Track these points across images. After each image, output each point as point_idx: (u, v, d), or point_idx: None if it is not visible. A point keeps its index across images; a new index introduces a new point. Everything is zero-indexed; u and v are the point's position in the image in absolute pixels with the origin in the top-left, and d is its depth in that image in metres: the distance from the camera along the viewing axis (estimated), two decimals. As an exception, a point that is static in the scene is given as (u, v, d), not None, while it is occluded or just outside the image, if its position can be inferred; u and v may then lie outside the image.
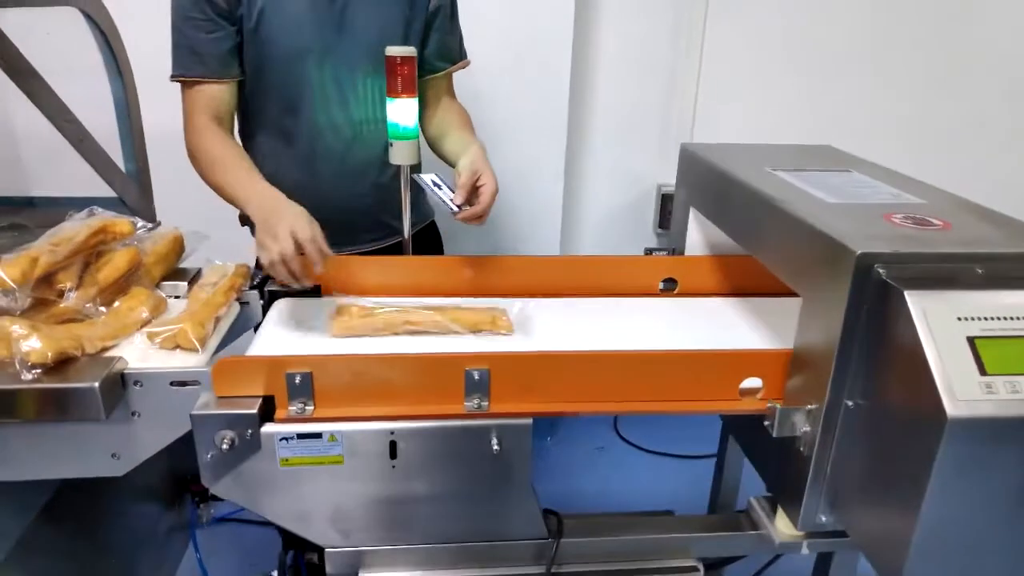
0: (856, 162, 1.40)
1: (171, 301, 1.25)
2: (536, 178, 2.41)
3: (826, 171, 1.30)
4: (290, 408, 1.01)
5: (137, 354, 1.08)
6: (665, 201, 2.61)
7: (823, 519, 1.02)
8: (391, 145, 1.39)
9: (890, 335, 0.88)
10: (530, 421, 1.03)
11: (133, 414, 1.04)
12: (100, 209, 1.27)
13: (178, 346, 1.10)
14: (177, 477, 1.78)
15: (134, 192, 1.59)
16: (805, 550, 1.12)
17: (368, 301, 1.28)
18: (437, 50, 1.53)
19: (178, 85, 1.43)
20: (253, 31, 1.40)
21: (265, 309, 1.33)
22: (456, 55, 1.58)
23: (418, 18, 1.48)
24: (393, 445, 1.02)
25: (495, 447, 1.02)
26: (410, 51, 1.34)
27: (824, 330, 0.94)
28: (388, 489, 1.05)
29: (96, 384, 0.96)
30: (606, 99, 2.53)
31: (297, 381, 1.00)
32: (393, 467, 1.03)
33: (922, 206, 1.09)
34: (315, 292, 1.38)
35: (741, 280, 1.42)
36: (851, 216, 1.02)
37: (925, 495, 0.82)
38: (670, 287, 1.44)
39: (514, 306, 1.27)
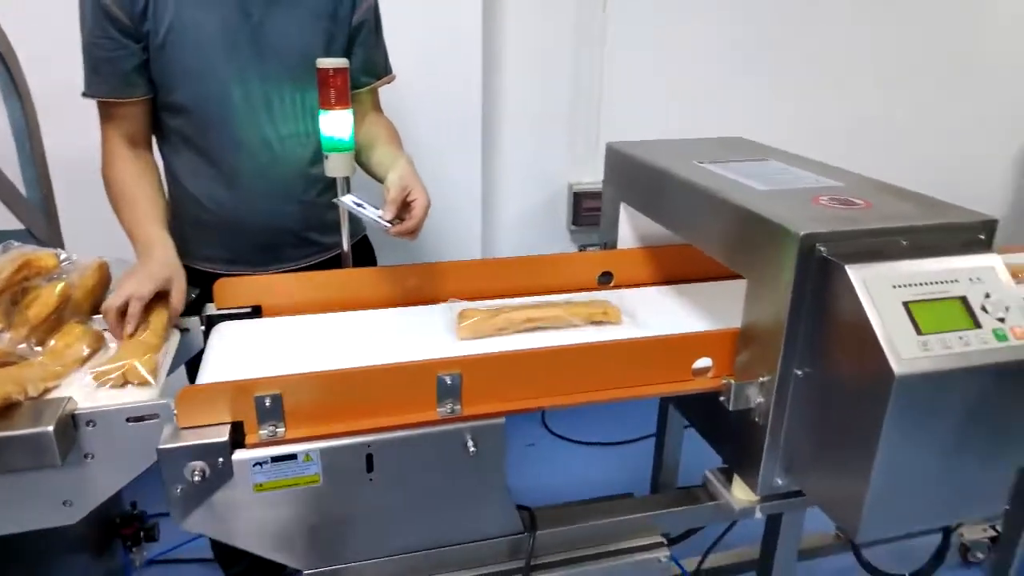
0: (769, 151, 1.50)
1: (108, 335, 1.18)
2: (454, 185, 2.42)
3: (747, 161, 1.39)
4: (260, 432, 0.99)
5: (81, 393, 1.02)
6: (578, 199, 2.68)
7: (779, 483, 1.10)
8: (327, 158, 1.38)
9: (834, 306, 0.96)
10: (503, 420, 1.05)
11: (86, 456, 0.98)
12: (16, 242, 1.19)
13: (127, 382, 1.04)
14: (104, 522, 1.68)
15: (41, 222, 1.48)
16: (759, 514, 1.20)
17: (484, 304, 1.30)
18: (362, 65, 1.51)
19: (83, 107, 1.37)
20: (160, 48, 1.34)
21: (205, 336, 1.29)
22: (381, 69, 1.58)
23: (341, 33, 1.46)
24: (370, 458, 1.01)
25: (471, 448, 1.04)
26: (342, 63, 1.33)
27: (771, 307, 1.02)
28: (366, 503, 1.04)
29: (51, 428, 0.90)
30: (515, 102, 2.58)
31: (267, 404, 0.97)
32: (371, 480, 1.03)
33: (841, 188, 1.19)
34: (255, 314, 1.34)
35: (674, 269, 1.50)
36: (784, 201, 1.11)
37: (877, 448, 0.90)
38: (606, 280, 1.50)
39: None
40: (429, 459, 1.04)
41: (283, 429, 0.99)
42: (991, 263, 0.99)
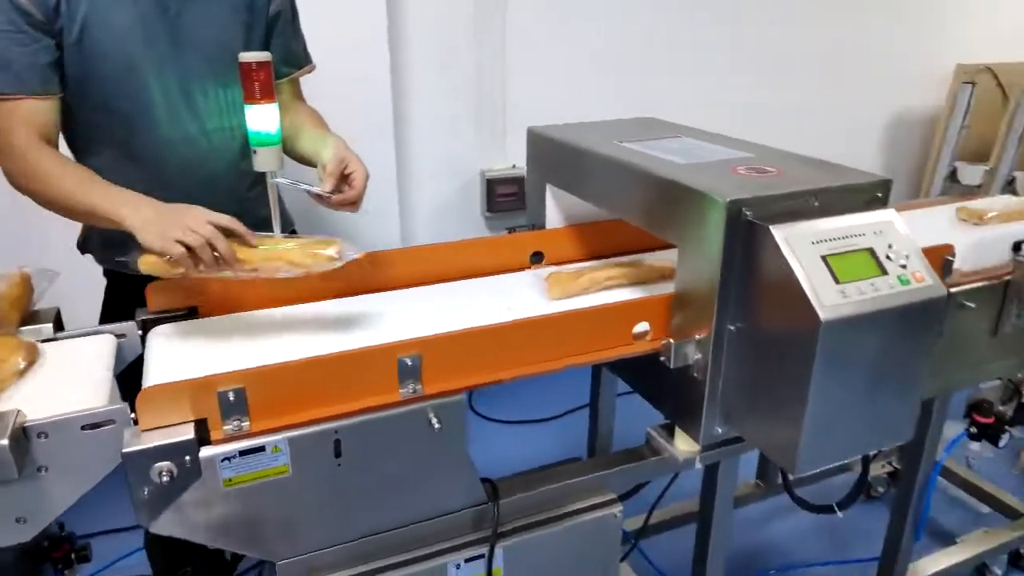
0: (679, 128, 1.60)
1: (42, 346, 1.14)
2: (371, 178, 2.42)
3: (663, 139, 1.48)
4: (225, 428, 0.98)
5: (23, 407, 0.98)
6: (491, 186, 2.73)
7: (719, 431, 1.20)
8: (255, 152, 1.35)
9: (760, 265, 1.06)
10: (464, 396, 1.10)
11: (40, 469, 0.95)
12: (-73, 257, 1.12)
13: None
14: (32, 547, 1.60)
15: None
16: (698, 464, 1.29)
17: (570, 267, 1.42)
18: (282, 55, 1.50)
19: None
20: (75, 44, 1.29)
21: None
22: (302, 59, 1.57)
23: (259, 24, 1.44)
24: (337, 444, 1.03)
25: (436, 425, 1.07)
26: (265, 56, 1.31)
27: (704, 270, 1.11)
28: (336, 488, 1.06)
29: (4, 441, 0.87)
30: (423, 93, 2.60)
31: (231, 398, 0.97)
32: (339, 465, 1.05)
33: (753, 159, 1.29)
34: (192, 314, 1.32)
35: (600, 244, 1.58)
36: (706, 173, 1.20)
37: (809, 389, 1.01)
38: (537, 260, 1.56)
39: (407, 298, 1.32)
40: (395, 439, 1.07)
41: (248, 423, 0.99)
42: (890, 218, 1.11)
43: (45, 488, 0.96)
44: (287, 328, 1.25)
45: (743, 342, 1.12)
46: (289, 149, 1.52)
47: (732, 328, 1.12)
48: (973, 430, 1.63)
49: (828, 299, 0.99)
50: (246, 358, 1.11)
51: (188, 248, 1.09)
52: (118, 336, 1.23)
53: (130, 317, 1.27)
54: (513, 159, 2.80)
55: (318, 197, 1.31)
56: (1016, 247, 1.50)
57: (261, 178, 1.47)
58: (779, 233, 1.03)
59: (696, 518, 1.48)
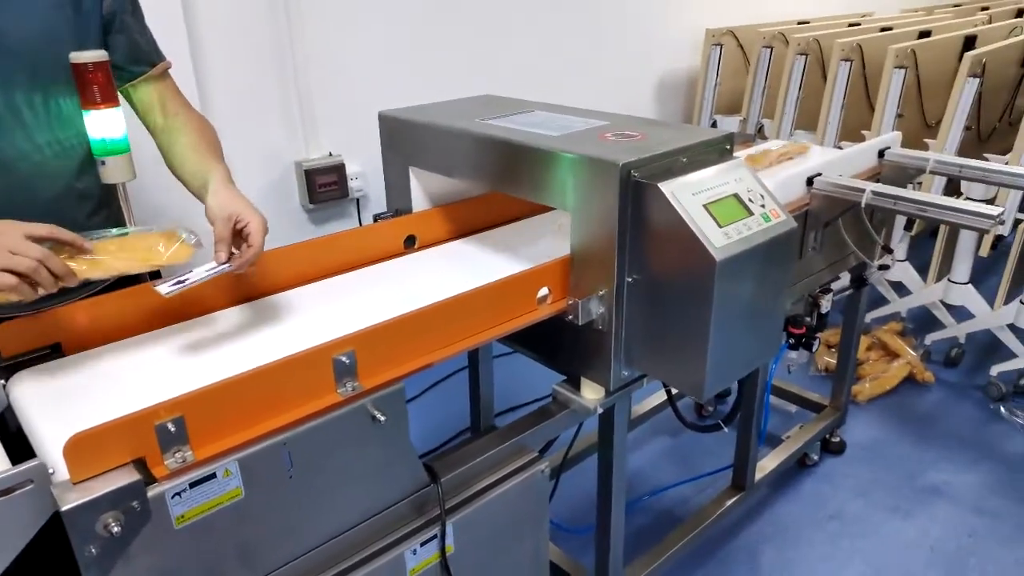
0: (523, 104, 1.68)
1: None
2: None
3: (518, 114, 1.55)
4: (168, 462, 0.91)
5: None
6: (310, 176, 2.64)
7: (625, 375, 1.32)
8: (102, 163, 1.23)
9: (652, 219, 1.18)
10: (402, 385, 1.10)
11: (-55, 553, 0.82)
12: None
13: None
14: None
15: None
16: (600, 410, 1.41)
17: None
18: (128, 53, 1.32)
19: None
20: None
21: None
22: (153, 56, 1.38)
23: (91, 22, 1.26)
24: (289, 456, 0.99)
25: (381, 419, 1.07)
26: (100, 55, 1.18)
27: (600, 230, 1.21)
28: (290, 501, 1.02)
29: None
30: (225, 84, 2.43)
31: (171, 429, 0.90)
32: (290, 477, 1.01)
33: (609, 126, 1.41)
34: (56, 352, 1.17)
35: (470, 220, 1.63)
36: (582, 141, 1.29)
37: (711, 321, 1.15)
38: (411, 244, 1.57)
39: (298, 299, 1.28)
40: (342, 440, 1.05)
41: (191, 452, 0.93)
42: (740, 165, 1.28)
43: (-46, 575, 0.83)
44: (181, 350, 1.16)
45: (641, 291, 1.24)
46: (169, 165, 1.36)
47: (630, 280, 1.23)
48: (791, 341, 1.92)
49: (717, 241, 1.13)
50: (147, 389, 1.03)
51: (18, 274, 0.97)
52: (-25, 391, 1.07)
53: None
54: (328, 147, 2.73)
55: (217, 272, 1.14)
56: (809, 181, 1.78)
57: (104, 200, 1.33)
58: (666, 189, 1.15)
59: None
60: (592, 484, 1.56)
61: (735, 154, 1.33)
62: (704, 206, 1.17)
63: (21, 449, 0.97)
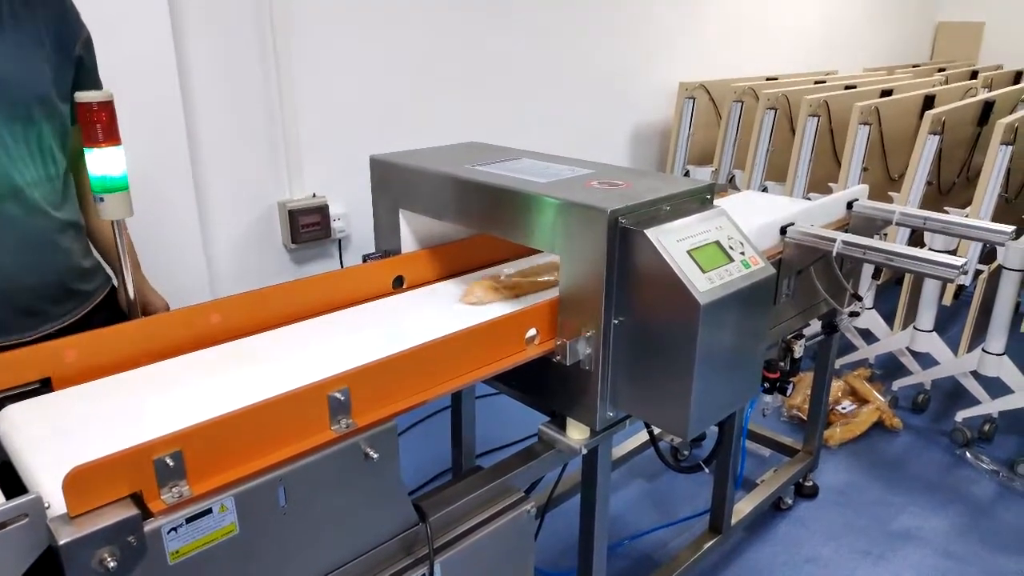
0: (509, 151, 1.73)
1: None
2: (171, 219, 2.25)
3: (506, 161, 1.60)
4: (164, 496, 0.91)
5: None
6: (293, 217, 2.67)
7: (610, 415, 1.35)
8: (100, 200, 1.25)
9: (638, 264, 1.22)
10: (395, 422, 1.12)
11: (-62, 591, 0.81)
12: None
13: None
14: None
15: None
16: (585, 451, 1.44)
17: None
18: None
19: None
20: None
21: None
22: None
23: (66, 63, 1.32)
24: (284, 492, 1.00)
25: (374, 456, 1.08)
26: (107, 95, 1.21)
27: (589, 273, 1.25)
28: (283, 538, 1.02)
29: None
30: (213, 125, 2.46)
31: (169, 464, 0.91)
32: (284, 514, 1.02)
33: (594, 174, 1.47)
34: (45, 387, 1.17)
35: (457, 261, 1.66)
36: (571, 188, 1.34)
37: (694, 363, 1.19)
38: (399, 284, 1.60)
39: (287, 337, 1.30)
40: (336, 477, 1.06)
41: (187, 487, 0.93)
42: (721, 214, 1.34)
43: (-56, 611, 0.82)
44: (171, 386, 1.17)
45: (626, 333, 1.28)
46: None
47: (616, 322, 1.27)
48: (766, 385, 1.97)
49: (701, 286, 1.18)
50: (138, 425, 1.04)
51: None
52: (-36, 425, 1.06)
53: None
54: (312, 188, 2.76)
55: None
56: (782, 230, 1.86)
57: (81, 228, 1.36)
58: (652, 235, 1.20)
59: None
60: (571, 527, 1.57)
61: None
62: (688, 252, 1.22)
63: (5, 482, 0.97)
